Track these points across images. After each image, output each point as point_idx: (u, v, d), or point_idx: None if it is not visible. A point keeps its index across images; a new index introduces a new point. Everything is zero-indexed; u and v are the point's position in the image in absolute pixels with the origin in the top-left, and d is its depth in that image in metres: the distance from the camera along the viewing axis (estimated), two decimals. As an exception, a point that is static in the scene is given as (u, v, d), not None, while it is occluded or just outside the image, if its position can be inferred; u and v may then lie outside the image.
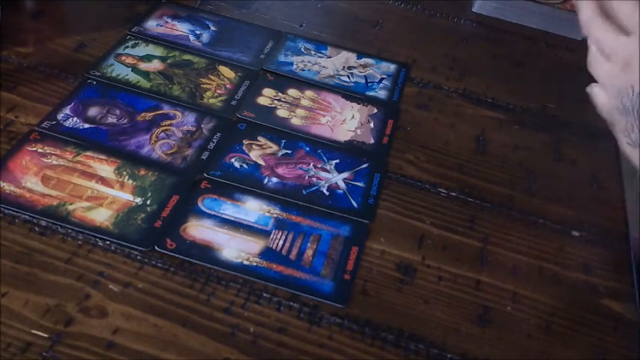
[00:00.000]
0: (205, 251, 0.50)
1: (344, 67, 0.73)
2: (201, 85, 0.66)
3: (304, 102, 0.67)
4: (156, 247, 0.50)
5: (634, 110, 0.50)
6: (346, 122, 0.65)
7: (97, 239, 0.50)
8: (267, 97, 0.66)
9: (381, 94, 0.70)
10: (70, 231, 0.50)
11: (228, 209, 0.54)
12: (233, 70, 0.69)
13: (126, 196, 0.53)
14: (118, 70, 0.66)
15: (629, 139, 0.51)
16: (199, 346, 0.44)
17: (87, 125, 0.59)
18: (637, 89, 0.49)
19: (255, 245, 0.51)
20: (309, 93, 0.68)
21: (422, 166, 0.62)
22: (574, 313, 0.51)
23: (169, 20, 0.74)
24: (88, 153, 0.56)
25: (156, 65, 0.67)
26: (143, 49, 0.69)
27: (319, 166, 0.60)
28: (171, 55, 0.69)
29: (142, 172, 0.55)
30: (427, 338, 0.48)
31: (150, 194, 0.54)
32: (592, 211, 0.61)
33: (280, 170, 0.58)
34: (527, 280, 0.53)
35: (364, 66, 0.74)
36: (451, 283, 0.52)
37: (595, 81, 0.55)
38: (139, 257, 0.49)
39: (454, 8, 0.88)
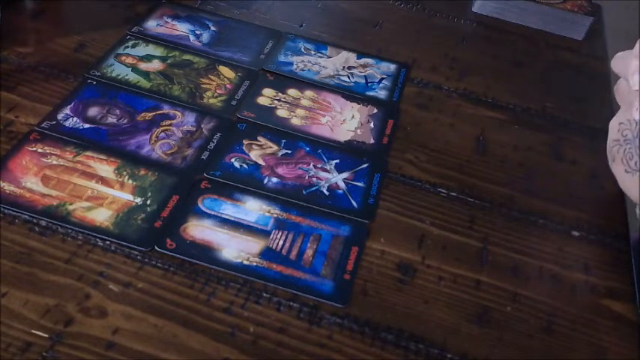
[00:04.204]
0: (205, 251, 0.50)
1: (344, 67, 0.73)
2: (201, 85, 0.66)
3: (304, 102, 0.67)
4: (156, 247, 0.50)
5: (635, 139, 0.55)
6: (346, 122, 0.65)
7: (97, 239, 0.50)
8: (267, 97, 0.66)
9: (381, 94, 0.70)
10: (70, 231, 0.50)
11: (228, 209, 0.54)
12: (233, 70, 0.69)
13: (126, 196, 0.53)
14: (118, 70, 0.66)
15: (628, 167, 0.55)
16: (199, 346, 0.44)
17: (87, 125, 0.59)
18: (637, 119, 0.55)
19: (255, 245, 0.51)
20: (309, 93, 0.68)
21: (422, 166, 0.62)
22: (574, 313, 0.51)
23: (169, 20, 0.74)
24: (88, 153, 0.56)
25: (156, 65, 0.67)
26: (143, 49, 0.69)
27: (319, 166, 0.60)
28: (171, 55, 0.69)
29: (142, 172, 0.55)
30: (427, 338, 0.48)
31: (150, 194, 0.54)
32: (592, 211, 0.61)
33: (280, 170, 0.58)
34: (527, 280, 0.53)
35: (364, 66, 0.74)
36: (451, 283, 0.52)
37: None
38: (139, 257, 0.49)
39: (454, 8, 0.88)
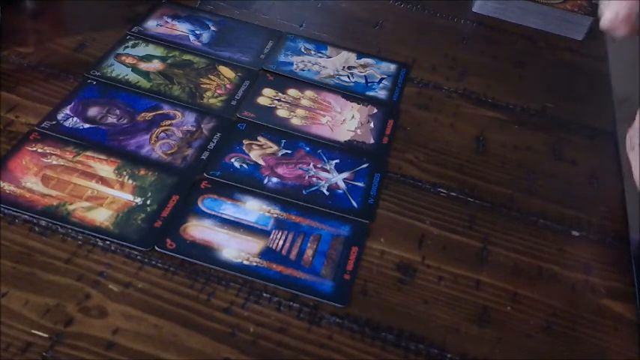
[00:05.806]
0: (205, 251, 0.50)
1: (344, 67, 0.73)
2: (201, 85, 0.66)
3: (304, 102, 0.67)
4: (156, 247, 0.50)
5: None
6: (346, 122, 0.65)
7: (97, 239, 0.50)
8: (267, 97, 0.66)
9: (381, 94, 0.70)
10: (70, 231, 0.50)
11: (228, 209, 0.54)
12: (233, 70, 0.69)
13: (126, 196, 0.53)
14: (118, 70, 0.66)
15: None
16: (199, 346, 0.44)
17: (87, 125, 0.59)
18: None
19: (255, 245, 0.51)
20: (309, 93, 0.68)
21: (422, 166, 0.62)
22: (574, 313, 0.51)
23: (169, 20, 0.74)
24: (88, 153, 0.56)
25: (156, 65, 0.67)
26: (143, 49, 0.69)
27: (319, 166, 0.60)
28: (171, 55, 0.69)
29: (142, 172, 0.55)
30: (427, 338, 0.48)
31: (150, 194, 0.54)
32: (592, 211, 0.61)
33: (280, 170, 0.58)
34: (527, 280, 0.53)
35: (364, 66, 0.74)
36: (451, 283, 0.52)
37: None
38: (139, 257, 0.49)
39: (454, 8, 0.88)
